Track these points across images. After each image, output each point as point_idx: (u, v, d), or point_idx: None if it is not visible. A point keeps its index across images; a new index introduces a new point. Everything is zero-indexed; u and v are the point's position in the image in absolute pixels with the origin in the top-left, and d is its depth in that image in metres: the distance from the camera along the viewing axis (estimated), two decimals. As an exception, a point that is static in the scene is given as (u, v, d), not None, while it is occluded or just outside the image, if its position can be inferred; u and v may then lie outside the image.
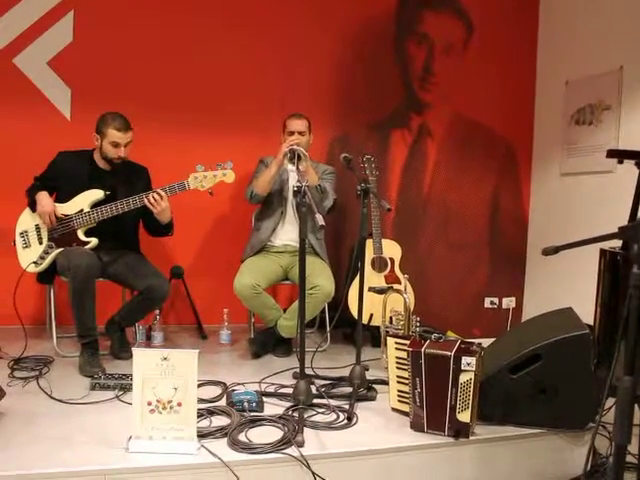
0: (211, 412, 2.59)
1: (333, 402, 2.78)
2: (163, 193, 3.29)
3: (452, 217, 4.73)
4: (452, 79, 4.67)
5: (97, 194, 3.36)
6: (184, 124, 4.12)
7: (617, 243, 1.89)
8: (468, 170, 4.74)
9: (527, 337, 2.67)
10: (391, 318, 3.39)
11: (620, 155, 2.12)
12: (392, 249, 3.90)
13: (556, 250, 1.52)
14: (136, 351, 2.25)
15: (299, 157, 3.27)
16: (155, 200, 3.27)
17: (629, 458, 2.48)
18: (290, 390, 2.80)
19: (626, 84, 4.02)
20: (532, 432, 2.58)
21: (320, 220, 2.41)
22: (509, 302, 4.83)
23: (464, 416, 2.41)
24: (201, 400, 2.68)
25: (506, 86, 4.78)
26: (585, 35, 4.34)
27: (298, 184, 2.64)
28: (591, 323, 2.59)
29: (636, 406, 1.73)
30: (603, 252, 1.60)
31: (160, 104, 4.07)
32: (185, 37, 4.13)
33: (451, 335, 3.96)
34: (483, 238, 4.83)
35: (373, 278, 3.77)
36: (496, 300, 4.82)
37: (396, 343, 2.65)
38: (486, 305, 4.82)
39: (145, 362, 2.22)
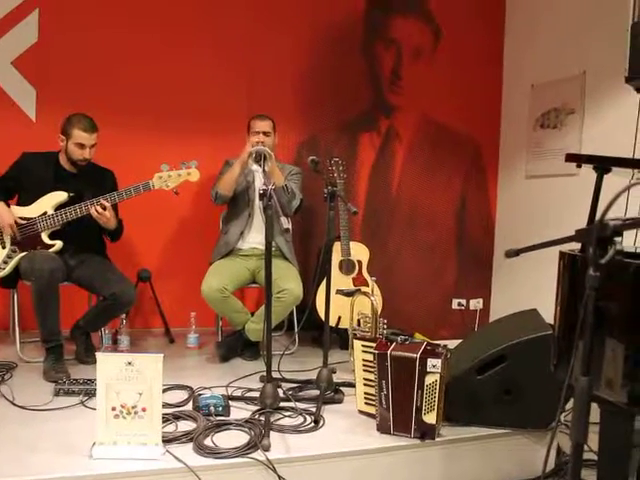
0: (177, 417, 2.57)
1: (300, 405, 2.78)
2: (107, 204, 3.25)
3: (420, 219, 4.77)
4: (420, 83, 4.70)
5: (61, 196, 3.31)
6: (150, 125, 4.09)
7: (577, 245, 1.93)
8: (436, 173, 4.78)
9: (492, 338, 2.70)
10: (359, 320, 3.40)
11: (578, 159, 2.16)
12: (360, 251, 3.91)
13: (517, 253, 1.54)
14: (100, 356, 2.22)
15: (264, 158, 3.26)
16: (97, 212, 3.24)
17: (591, 455, 2.54)
18: (257, 394, 2.78)
19: (589, 89, 4.09)
20: (498, 432, 2.61)
21: (285, 223, 2.41)
22: (476, 303, 4.88)
23: (430, 418, 2.42)
24: (167, 405, 2.66)
25: (473, 89, 4.83)
26: (549, 40, 4.40)
27: (264, 187, 2.63)
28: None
29: (595, 405, 1.76)
30: (562, 254, 1.62)
31: (126, 105, 4.03)
32: (150, 38, 4.09)
33: (419, 337, 3.99)
34: (451, 240, 4.87)
35: (341, 280, 3.78)
36: (464, 301, 4.86)
37: (363, 346, 2.66)
38: (454, 306, 4.86)
39: (109, 367, 2.19)
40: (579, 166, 1.96)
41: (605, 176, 2.42)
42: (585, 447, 2.57)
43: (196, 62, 4.19)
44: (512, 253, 1.54)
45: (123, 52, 4.04)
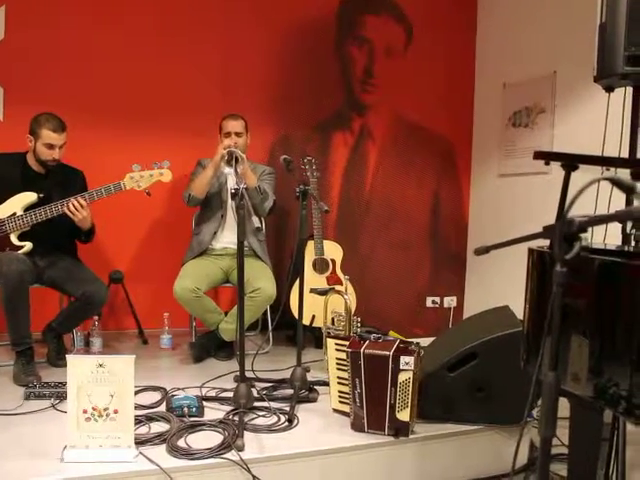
0: (150, 418, 2.55)
1: (274, 405, 2.78)
2: (84, 202, 3.21)
3: (393, 217, 4.79)
4: (393, 81, 4.72)
5: (30, 197, 3.26)
6: (120, 124, 4.05)
7: (547, 242, 1.95)
8: (409, 171, 4.81)
9: (464, 336, 2.72)
10: (333, 319, 3.40)
11: (546, 157, 2.19)
12: (333, 250, 3.92)
13: (487, 250, 1.55)
14: (70, 358, 2.19)
15: (236, 159, 3.24)
16: (75, 208, 3.20)
17: (563, 449, 2.57)
18: (231, 394, 2.77)
19: (559, 88, 4.14)
20: (470, 429, 2.63)
21: (256, 222, 2.40)
22: (450, 301, 4.92)
23: (403, 415, 2.43)
24: (140, 406, 2.64)
25: (446, 88, 4.87)
26: (521, 40, 4.45)
27: (235, 187, 2.62)
28: (524, 321, 2.65)
29: (564, 399, 1.78)
30: (531, 251, 1.64)
31: (96, 104, 3.98)
32: (121, 36, 4.05)
33: (393, 335, 4.00)
34: (424, 238, 4.90)
35: (315, 279, 3.78)
36: (438, 299, 4.90)
37: (336, 344, 2.66)
38: (428, 304, 4.89)
39: (80, 369, 2.16)
40: (547, 163, 1.98)
41: (577, 174, 2.46)
42: (558, 441, 2.61)
43: (168, 60, 4.16)
44: (482, 250, 1.55)
45: (93, 50, 4.00)
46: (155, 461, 2.15)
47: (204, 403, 2.73)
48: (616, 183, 1.06)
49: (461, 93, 4.96)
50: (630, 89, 2.97)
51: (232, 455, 2.25)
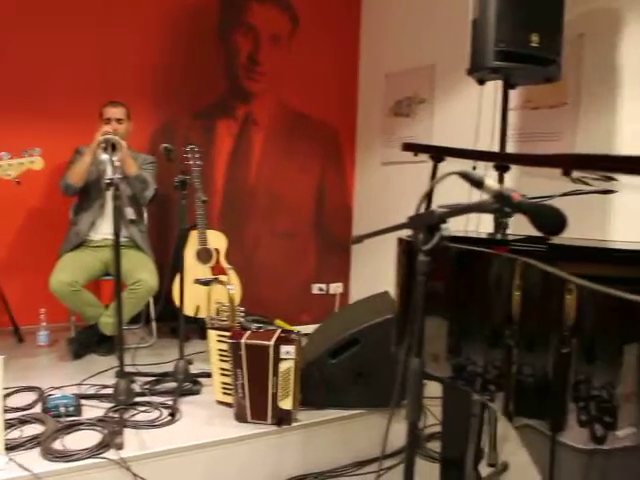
0: (23, 421, 2.43)
1: (157, 399, 2.73)
2: None
3: (279, 206, 4.79)
4: (278, 69, 4.71)
5: None
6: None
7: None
8: (294, 159, 4.82)
9: (346, 322, 2.78)
10: (217, 310, 3.36)
11: (414, 149, 2.26)
12: (217, 240, 3.87)
13: (360, 239, 1.58)
14: None
15: (114, 147, 3.13)
16: None
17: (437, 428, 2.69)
18: (112, 390, 2.69)
19: (438, 79, 4.28)
20: (352, 413, 2.70)
21: (130, 214, 2.32)
22: (336, 288, 4.99)
23: (286, 403, 2.46)
24: (12, 409, 2.52)
25: (331, 77, 4.91)
26: (402, 31, 4.56)
27: (111, 176, 2.52)
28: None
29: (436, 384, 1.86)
30: (400, 240, 1.70)
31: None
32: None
33: (279, 323, 4.02)
34: (310, 225, 4.94)
35: (199, 269, 3.72)
36: (324, 286, 4.96)
37: (218, 335, 2.64)
38: (314, 291, 4.94)
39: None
40: (416, 155, 2.05)
41: (456, 163, 2.57)
42: (435, 420, 2.72)
43: (42, 43, 3.92)
44: (355, 240, 1.58)
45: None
46: (27, 467, 2.05)
47: (83, 401, 2.64)
48: (466, 177, 1.11)
49: (345, 82, 5.02)
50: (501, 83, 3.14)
51: (112, 454, 2.18)
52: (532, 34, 2.91)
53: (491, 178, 1.10)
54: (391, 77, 4.70)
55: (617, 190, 2.16)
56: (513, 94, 3.42)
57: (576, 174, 1.15)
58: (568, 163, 1.22)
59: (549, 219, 1.05)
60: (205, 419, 2.59)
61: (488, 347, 1.46)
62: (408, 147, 2.23)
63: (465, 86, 3.78)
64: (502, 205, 1.04)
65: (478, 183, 1.09)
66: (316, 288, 4.93)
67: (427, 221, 1.19)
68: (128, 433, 2.36)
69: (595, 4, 3.37)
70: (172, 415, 2.55)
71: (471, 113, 3.71)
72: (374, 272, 4.80)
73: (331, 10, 4.88)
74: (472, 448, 2.16)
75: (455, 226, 1.59)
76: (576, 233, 3.01)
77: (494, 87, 3.26)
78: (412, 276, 1.70)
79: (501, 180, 2.98)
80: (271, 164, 4.73)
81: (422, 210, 1.14)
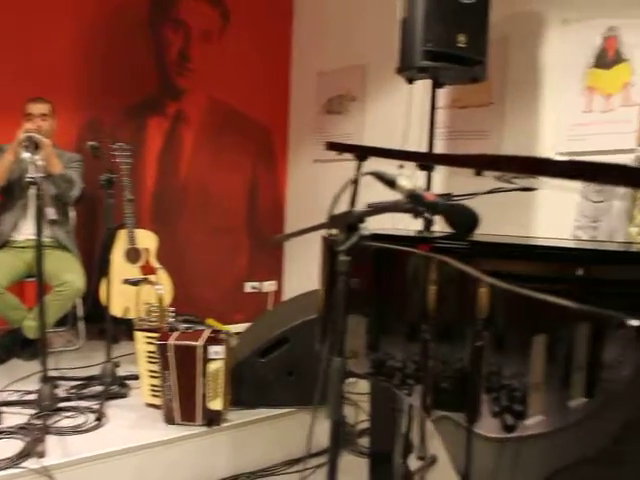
0: (-64, 434, 2.32)
1: (83, 404, 2.65)
2: None
3: (211, 204, 4.73)
4: (209, 66, 4.64)
5: None
6: None
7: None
8: (227, 157, 4.77)
9: (277, 321, 2.78)
10: (147, 311, 3.30)
11: (338, 148, 2.27)
12: (147, 239, 3.78)
13: (281, 240, 1.57)
14: None
15: (36, 145, 3.02)
16: None
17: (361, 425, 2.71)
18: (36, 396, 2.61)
19: (369, 78, 4.32)
20: (283, 412, 2.70)
21: (51, 214, 2.25)
22: (270, 286, 4.96)
23: (215, 404, 2.43)
24: None
25: (263, 74, 4.88)
26: (335, 29, 4.57)
27: (33, 175, 2.44)
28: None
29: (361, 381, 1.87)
30: (323, 239, 1.70)
31: None
32: None
33: (211, 323, 3.97)
34: (243, 223, 4.89)
35: (128, 269, 3.63)
36: (257, 284, 4.93)
37: (145, 337, 2.60)
38: (247, 290, 4.90)
39: None
40: (340, 154, 2.06)
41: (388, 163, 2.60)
42: (365, 417, 2.74)
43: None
44: (277, 240, 1.57)
45: None
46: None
47: (4, 409, 2.54)
48: (379, 177, 1.12)
49: (278, 80, 5.00)
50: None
51: (33, 463, 2.11)
52: (459, 35, 2.96)
53: (411, 177, 1.11)
54: (323, 75, 4.71)
55: (537, 188, 2.22)
56: (442, 93, 3.49)
57: (489, 174, 1.18)
58: (478, 164, 1.25)
59: (462, 218, 1.07)
60: (133, 422, 2.54)
61: (406, 342, 1.49)
62: (332, 146, 2.24)
63: (395, 85, 3.82)
64: (415, 205, 1.05)
65: (390, 183, 1.10)
66: (249, 286, 4.89)
67: (346, 220, 1.20)
68: (52, 440, 2.29)
69: (519, 7, 3.46)
70: (98, 419, 2.49)
71: (401, 111, 3.77)
72: (308, 270, 4.80)
73: (263, 7, 4.85)
74: (400, 442, 2.19)
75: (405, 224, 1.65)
76: (502, 230, 3.10)
77: (423, 86, 3.31)
78: (335, 274, 1.71)
79: (429, 179, 3.04)
80: (203, 162, 4.67)
81: (336, 209, 1.15)
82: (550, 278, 1.60)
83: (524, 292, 0.97)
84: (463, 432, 1.17)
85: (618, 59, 3.05)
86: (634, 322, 0.83)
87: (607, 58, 3.09)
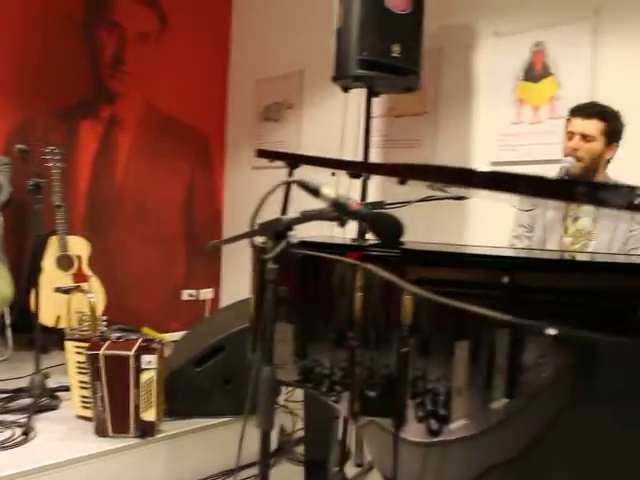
0: None
1: (9, 417, 2.56)
2: None
3: (147, 210, 4.65)
4: (145, 70, 4.57)
5: None
6: None
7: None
8: (163, 163, 4.70)
9: (212, 329, 2.75)
10: (79, 319, 3.22)
11: (268, 155, 2.28)
12: (79, 246, 3.69)
13: (215, 246, 1.56)
14: None
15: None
16: None
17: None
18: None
19: (306, 86, 4.34)
20: (220, 421, 2.66)
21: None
22: (207, 293, 4.91)
23: (149, 415, 2.39)
24: None
25: (201, 80, 4.83)
26: (272, 37, 4.57)
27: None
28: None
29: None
30: (253, 246, 1.70)
31: None
32: None
33: (147, 331, 3.90)
34: (179, 231, 4.83)
35: (59, 277, 3.54)
36: (194, 292, 4.87)
37: (75, 347, 2.52)
38: (184, 297, 4.83)
39: None
40: (271, 161, 2.06)
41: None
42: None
43: None
44: (210, 246, 1.56)
45: None
46: None
47: None
48: (303, 186, 1.12)
49: (216, 85, 4.97)
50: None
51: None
52: (393, 45, 3.01)
53: (334, 186, 1.12)
54: (261, 82, 4.71)
55: (469, 197, 2.27)
56: (378, 102, 3.53)
57: (413, 183, 1.21)
58: (400, 173, 1.27)
59: (385, 227, 1.09)
60: (63, 436, 2.47)
61: (333, 349, 1.50)
62: (262, 154, 2.25)
63: (332, 93, 3.85)
64: (339, 213, 1.06)
65: (314, 192, 1.11)
66: (186, 294, 4.82)
67: (274, 228, 1.20)
68: (-26, 457, 2.20)
69: (452, 19, 3.54)
70: (25, 434, 2.40)
71: (338, 119, 3.79)
72: (246, 276, 4.71)
73: (201, 12, 4.81)
74: (335, 449, 2.20)
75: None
76: (437, 238, 3.16)
77: (359, 94, 3.34)
78: (264, 283, 1.71)
79: (364, 187, 3.07)
80: (139, 167, 4.59)
81: (263, 217, 1.15)
82: (478, 284, 1.64)
83: (444, 301, 0.99)
84: (390, 437, 1.19)
85: (545, 73, 3.16)
86: (551, 331, 0.85)
87: (535, 71, 3.20)
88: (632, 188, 0.77)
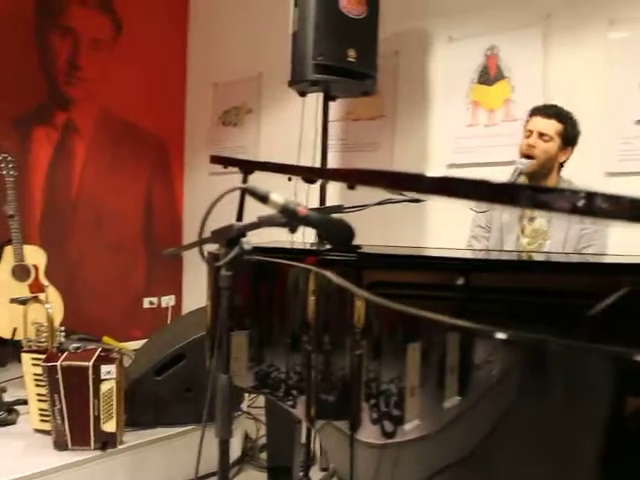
0: None
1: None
2: None
3: (105, 218, 4.58)
4: (101, 76, 4.51)
5: None
6: None
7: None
8: (121, 169, 4.64)
9: (172, 337, 2.72)
10: (36, 330, 3.15)
11: (222, 162, 2.28)
12: (36, 256, 3.62)
13: (172, 253, 1.55)
14: None
15: None
16: None
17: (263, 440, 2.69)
18: None
19: (265, 90, 4.34)
20: (182, 430, 2.64)
21: None
22: (168, 300, 4.86)
23: (109, 426, 2.35)
24: None
25: (157, 85, 4.79)
26: (230, 41, 4.56)
27: None
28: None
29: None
30: (208, 253, 1.70)
31: None
32: None
33: (107, 341, 3.85)
34: (139, 238, 4.77)
35: (15, 288, 3.46)
36: (155, 299, 4.81)
37: (32, 359, 2.48)
38: (145, 305, 4.77)
39: None
40: (225, 167, 2.06)
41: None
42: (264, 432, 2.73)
43: None
44: (168, 253, 1.55)
45: None
46: None
47: None
48: (251, 193, 1.13)
49: (173, 91, 4.94)
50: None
51: None
52: (349, 49, 3.03)
53: (290, 191, 1.12)
54: (219, 86, 4.69)
55: (425, 199, 2.30)
56: (336, 106, 3.55)
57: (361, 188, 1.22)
58: (349, 178, 1.28)
59: (336, 232, 1.09)
60: (21, 450, 2.42)
61: (288, 354, 1.51)
62: (216, 160, 2.24)
63: (289, 97, 3.84)
64: (289, 219, 1.06)
65: (263, 198, 1.11)
66: (147, 302, 4.77)
67: (227, 235, 1.20)
68: None
69: (408, 24, 3.59)
70: (-21, 449, 2.35)
71: (295, 123, 3.80)
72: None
73: (157, 17, 4.78)
74: (299, 454, 2.20)
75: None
76: (395, 240, 3.18)
77: (317, 98, 3.35)
78: (217, 289, 1.71)
79: (323, 192, 3.08)
80: (96, 174, 4.52)
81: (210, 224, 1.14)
82: (434, 286, 1.66)
83: (395, 306, 1.00)
84: (346, 440, 1.19)
85: (499, 76, 3.22)
86: (501, 335, 0.87)
87: (489, 75, 3.25)
88: (574, 192, 0.79)
